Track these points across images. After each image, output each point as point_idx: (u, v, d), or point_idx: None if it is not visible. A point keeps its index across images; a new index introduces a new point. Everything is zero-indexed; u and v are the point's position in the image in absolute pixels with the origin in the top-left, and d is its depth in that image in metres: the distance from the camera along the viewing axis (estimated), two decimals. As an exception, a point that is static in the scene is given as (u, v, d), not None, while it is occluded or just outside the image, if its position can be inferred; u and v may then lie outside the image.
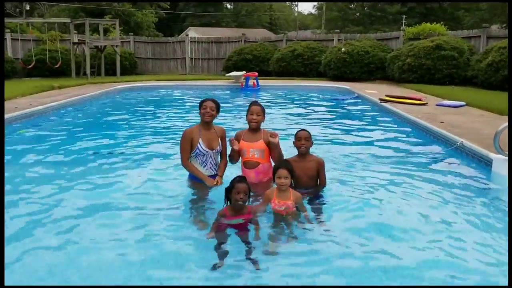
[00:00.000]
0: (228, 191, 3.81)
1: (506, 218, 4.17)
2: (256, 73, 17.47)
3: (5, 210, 4.13)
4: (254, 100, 5.04)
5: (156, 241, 3.71)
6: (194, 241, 3.73)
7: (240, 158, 4.82)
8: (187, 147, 4.70)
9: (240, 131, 4.90)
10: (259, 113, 4.69)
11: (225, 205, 3.90)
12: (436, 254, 3.51)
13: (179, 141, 4.82)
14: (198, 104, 4.83)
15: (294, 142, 4.61)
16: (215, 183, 4.66)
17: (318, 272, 3.25)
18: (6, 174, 5.09)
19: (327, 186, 4.68)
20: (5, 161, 5.91)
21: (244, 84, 16.69)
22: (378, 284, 3.16)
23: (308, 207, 4.27)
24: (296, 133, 4.62)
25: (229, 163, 4.94)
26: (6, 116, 8.67)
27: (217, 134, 4.82)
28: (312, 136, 4.64)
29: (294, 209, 4.03)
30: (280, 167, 4.04)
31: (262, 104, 4.85)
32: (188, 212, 4.33)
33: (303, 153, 4.56)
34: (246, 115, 4.76)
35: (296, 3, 77.95)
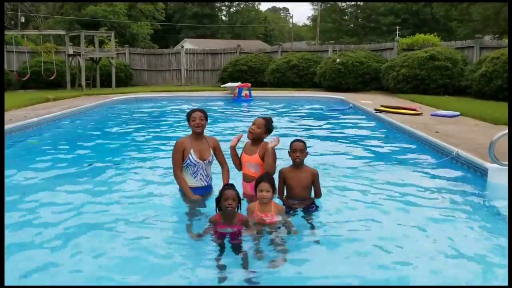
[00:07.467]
0: (218, 200, 3.88)
1: (503, 226, 4.17)
2: (249, 84, 17.53)
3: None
4: (268, 117, 4.96)
5: (149, 250, 3.70)
6: (186, 251, 3.72)
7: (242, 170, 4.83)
8: (179, 158, 4.69)
9: (248, 141, 4.85)
10: (259, 125, 4.65)
11: (216, 212, 3.95)
12: (434, 263, 3.50)
13: (173, 150, 4.81)
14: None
15: (289, 153, 4.58)
16: (198, 197, 4.64)
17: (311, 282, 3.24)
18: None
19: (322, 196, 4.65)
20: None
21: (237, 95, 16.73)
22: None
23: (302, 217, 4.27)
24: (291, 143, 4.58)
25: (234, 170, 4.90)
26: (1, 128, 8.62)
27: (209, 145, 4.81)
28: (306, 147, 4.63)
29: (277, 220, 4.00)
30: (262, 180, 4.03)
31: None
32: (180, 223, 4.33)
33: (298, 164, 4.55)
34: None
35: (291, 14, 78.60)
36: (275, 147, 4.57)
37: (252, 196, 4.52)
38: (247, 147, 4.76)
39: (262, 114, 11.49)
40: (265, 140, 4.74)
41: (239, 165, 4.82)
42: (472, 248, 3.75)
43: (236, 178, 4.84)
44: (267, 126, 4.69)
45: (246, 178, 4.72)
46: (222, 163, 4.92)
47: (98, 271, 3.36)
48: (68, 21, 37.56)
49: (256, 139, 4.69)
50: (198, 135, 4.75)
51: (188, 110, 5.02)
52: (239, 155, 4.83)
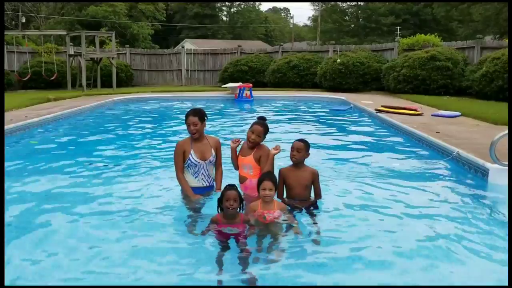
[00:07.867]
0: (220, 201, 3.90)
1: (504, 227, 4.17)
2: (250, 84, 17.52)
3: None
4: (261, 116, 4.94)
5: (150, 250, 3.70)
6: (187, 250, 3.72)
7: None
8: (180, 160, 4.72)
9: (244, 142, 4.85)
10: (259, 134, 4.61)
11: (218, 212, 3.96)
12: (434, 263, 3.50)
13: (174, 153, 4.82)
14: None
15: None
16: (199, 197, 4.65)
17: (312, 281, 3.24)
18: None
19: (322, 197, 4.65)
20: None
21: (238, 95, 16.73)
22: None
23: (302, 217, 4.27)
24: (293, 142, 4.62)
25: (232, 169, 4.93)
26: (1, 128, 8.62)
27: (211, 145, 4.81)
28: (309, 147, 4.62)
29: (279, 216, 4.01)
30: (265, 179, 4.05)
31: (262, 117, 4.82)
32: (181, 222, 4.33)
33: (296, 163, 4.55)
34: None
35: (291, 14, 78.70)
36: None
37: (248, 197, 4.53)
38: (243, 149, 4.78)
39: (263, 114, 11.47)
40: (262, 143, 4.73)
41: (237, 165, 4.83)
42: (472, 248, 3.74)
43: (228, 179, 4.85)
44: (266, 132, 4.68)
45: (240, 179, 4.78)
46: (218, 165, 4.92)
47: (98, 271, 3.37)
48: (69, 21, 37.65)
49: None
50: (196, 138, 4.76)
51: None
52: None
